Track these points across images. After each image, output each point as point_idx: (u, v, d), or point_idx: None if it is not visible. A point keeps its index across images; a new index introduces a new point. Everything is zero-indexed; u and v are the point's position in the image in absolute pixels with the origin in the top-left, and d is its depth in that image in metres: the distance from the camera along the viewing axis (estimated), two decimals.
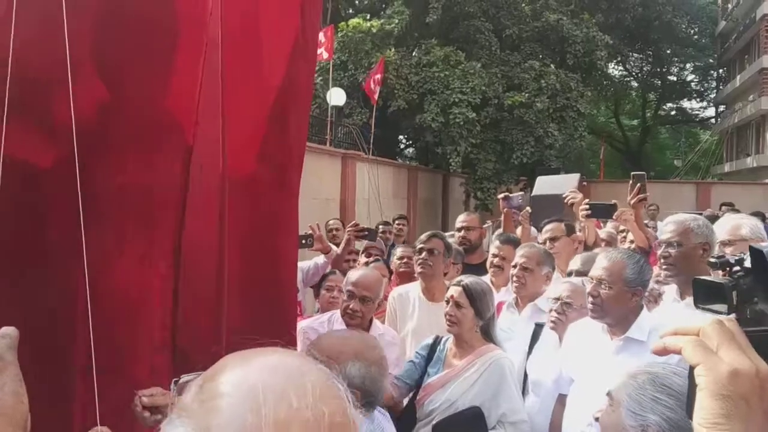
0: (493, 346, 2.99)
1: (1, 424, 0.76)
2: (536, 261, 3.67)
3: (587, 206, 4.10)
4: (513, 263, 3.72)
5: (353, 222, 4.66)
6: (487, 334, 3.02)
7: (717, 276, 2.03)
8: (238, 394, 0.67)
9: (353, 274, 3.26)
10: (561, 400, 2.97)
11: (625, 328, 2.71)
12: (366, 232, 4.55)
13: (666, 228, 3.13)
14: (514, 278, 3.66)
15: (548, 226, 4.38)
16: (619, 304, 2.69)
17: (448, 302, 3.02)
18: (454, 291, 3.02)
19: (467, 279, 3.07)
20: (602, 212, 4.14)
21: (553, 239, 4.23)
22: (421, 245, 3.89)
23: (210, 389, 0.69)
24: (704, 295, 2.16)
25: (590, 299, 2.73)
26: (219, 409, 0.67)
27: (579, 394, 2.80)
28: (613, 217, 4.07)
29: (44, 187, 1.71)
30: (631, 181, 3.87)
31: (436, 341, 3.13)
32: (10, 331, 0.85)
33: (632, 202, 3.86)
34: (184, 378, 1.40)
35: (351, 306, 3.14)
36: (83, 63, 1.75)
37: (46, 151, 1.71)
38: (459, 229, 4.96)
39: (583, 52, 20.94)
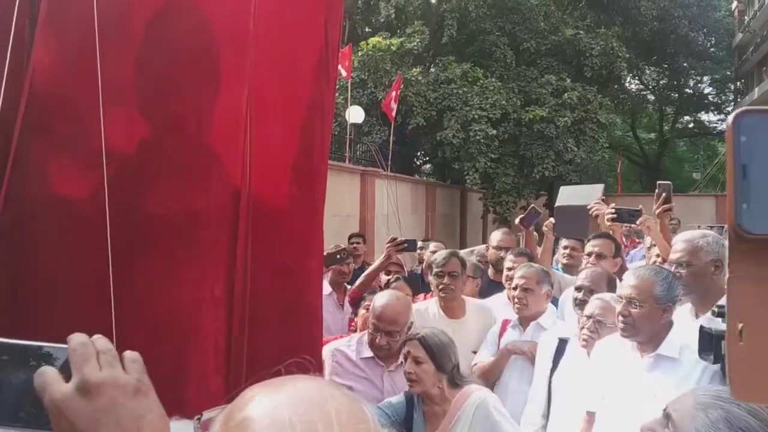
0: (469, 387, 2.76)
1: None
2: (536, 280, 3.66)
3: (613, 210, 4.11)
4: (513, 285, 3.72)
5: (390, 237, 4.59)
6: (455, 383, 2.76)
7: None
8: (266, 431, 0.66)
9: (378, 305, 3.12)
10: (589, 417, 2.96)
11: (656, 345, 2.69)
12: (405, 244, 4.39)
13: (676, 247, 3.09)
14: (516, 299, 3.65)
15: (597, 241, 4.20)
16: (651, 322, 2.66)
17: (405, 359, 2.80)
18: (410, 345, 2.78)
19: (424, 331, 2.84)
20: (627, 217, 4.12)
21: (599, 256, 4.09)
22: (440, 269, 3.81)
23: (236, 427, 0.68)
24: (706, 344, 2.20)
25: (621, 318, 2.70)
26: None
27: (610, 413, 2.78)
28: (637, 223, 4.07)
29: (80, 217, 1.71)
30: (656, 191, 3.86)
31: (411, 403, 2.84)
32: (136, 355, 0.84)
33: (657, 212, 3.84)
34: (207, 415, 1.38)
35: (377, 341, 3.08)
36: (126, 95, 1.78)
37: (82, 182, 1.73)
38: (498, 248, 4.92)
39: (601, 64, 20.94)
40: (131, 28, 1.82)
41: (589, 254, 4.16)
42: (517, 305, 3.65)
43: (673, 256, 3.07)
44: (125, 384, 0.79)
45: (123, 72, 1.78)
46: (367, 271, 4.58)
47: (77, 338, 0.81)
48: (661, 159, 35.85)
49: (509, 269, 4.23)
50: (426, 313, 3.86)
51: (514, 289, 3.67)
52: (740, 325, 0.68)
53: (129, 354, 0.84)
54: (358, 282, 4.51)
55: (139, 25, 1.83)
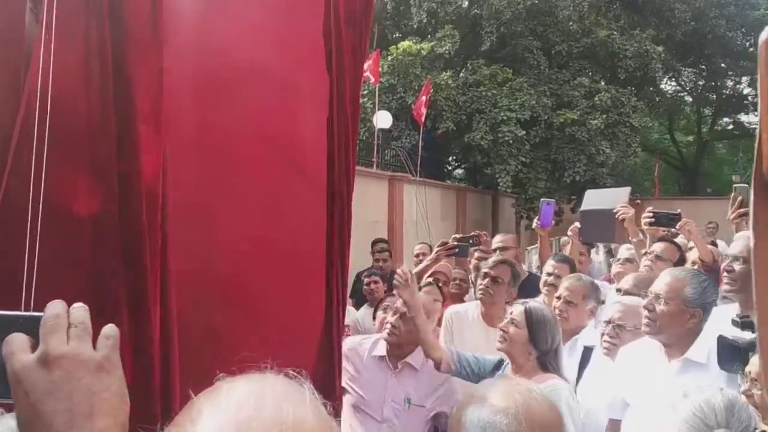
0: (552, 375, 2.71)
1: (108, 425, 0.76)
2: (582, 295, 3.53)
3: (651, 214, 3.99)
4: (557, 295, 3.59)
5: (442, 240, 4.42)
6: (546, 367, 2.73)
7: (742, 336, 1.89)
8: None
9: None
10: (613, 425, 2.83)
11: (684, 349, 2.57)
12: (456, 249, 4.10)
13: (736, 243, 2.99)
14: (557, 311, 3.51)
15: (662, 245, 4.05)
16: (675, 322, 2.55)
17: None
18: (515, 308, 2.84)
19: (533, 303, 2.88)
20: (665, 221, 3.99)
21: (659, 257, 3.90)
22: (487, 270, 3.73)
23: None
24: (728, 354, 2.03)
25: (645, 313, 2.62)
26: None
27: (638, 420, 2.65)
28: (676, 227, 3.92)
29: (86, 234, 1.69)
30: (732, 194, 3.67)
31: (498, 366, 2.95)
32: (112, 331, 0.83)
33: (732, 217, 3.64)
34: None
35: (389, 320, 3.07)
36: (148, 120, 1.75)
37: (84, 194, 1.71)
38: (494, 250, 4.85)
39: (635, 66, 20.56)
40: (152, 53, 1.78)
41: (650, 252, 4.01)
42: (558, 317, 3.53)
43: (731, 250, 2.98)
44: (88, 359, 0.79)
45: (147, 96, 1.75)
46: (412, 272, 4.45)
47: (51, 309, 0.81)
48: (700, 162, 35.07)
49: (549, 274, 4.11)
50: (465, 315, 3.82)
51: (558, 298, 3.54)
52: None
53: (105, 329, 0.83)
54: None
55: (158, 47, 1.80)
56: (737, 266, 2.83)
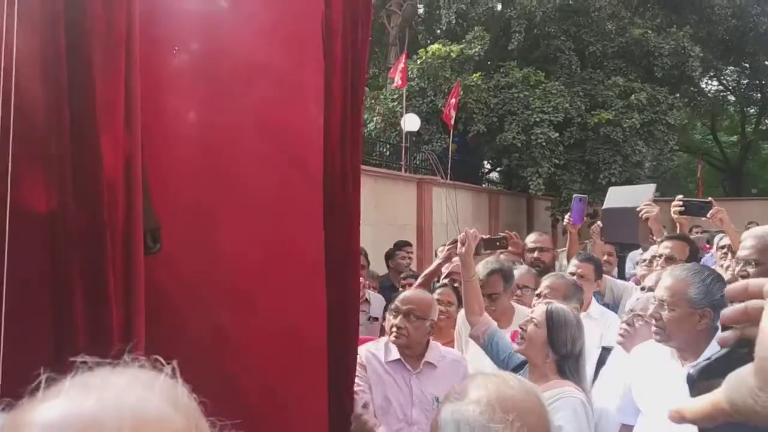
0: (568, 382, 2.56)
1: None
2: (563, 293, 3.39)
3: (680, 202, 3.84)
4: (537, 292, 3.48)
5: (453, 239, 4.28)
6: (564, 373, 2.59)
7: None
8: None
9: (403, 293, 3.16)
10: (625, 431, 2.70)
11: (698, 353, 2.40)
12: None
13: (745, 243, 2.81)
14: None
15: (670, 243, 3.86)
16: (684, 327, 2.39)
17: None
18: (537, 308, 2.73)
19: (557, 304, 2.74)
20: (696, 210, 3.86)
21: (670, 259, 3.73)
22: (481, 286, 3.50)
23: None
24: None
25: (653, 322, 2.47)
26: None
27: (650, 428, 2.52)
28: (707, 216, 3.78)
29: (44, 227, 1.66)
30: None
31: (521, 366, 2.83)
32: None
33: None
34: None
35: (394, 322, 3.01)
36: (118, 110, 1.71)
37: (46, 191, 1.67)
38: (531, 250, 4.69)
39: (672, 64, 20.07)
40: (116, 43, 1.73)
41: (660, 256, 3.83)
42: None
43: (740, 253, 2.82)
44: None
45: (118, 85, 1.70)
46: (423, 273, 4.34)
47: None
48: (745, 162, 34.09)
49: (572, 274, 3.99)
50: None
51: (538, 297, 3.42)
52: None
53: None
54: (415, 285, 4.29)
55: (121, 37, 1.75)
56: (751, 270, 2.65)
